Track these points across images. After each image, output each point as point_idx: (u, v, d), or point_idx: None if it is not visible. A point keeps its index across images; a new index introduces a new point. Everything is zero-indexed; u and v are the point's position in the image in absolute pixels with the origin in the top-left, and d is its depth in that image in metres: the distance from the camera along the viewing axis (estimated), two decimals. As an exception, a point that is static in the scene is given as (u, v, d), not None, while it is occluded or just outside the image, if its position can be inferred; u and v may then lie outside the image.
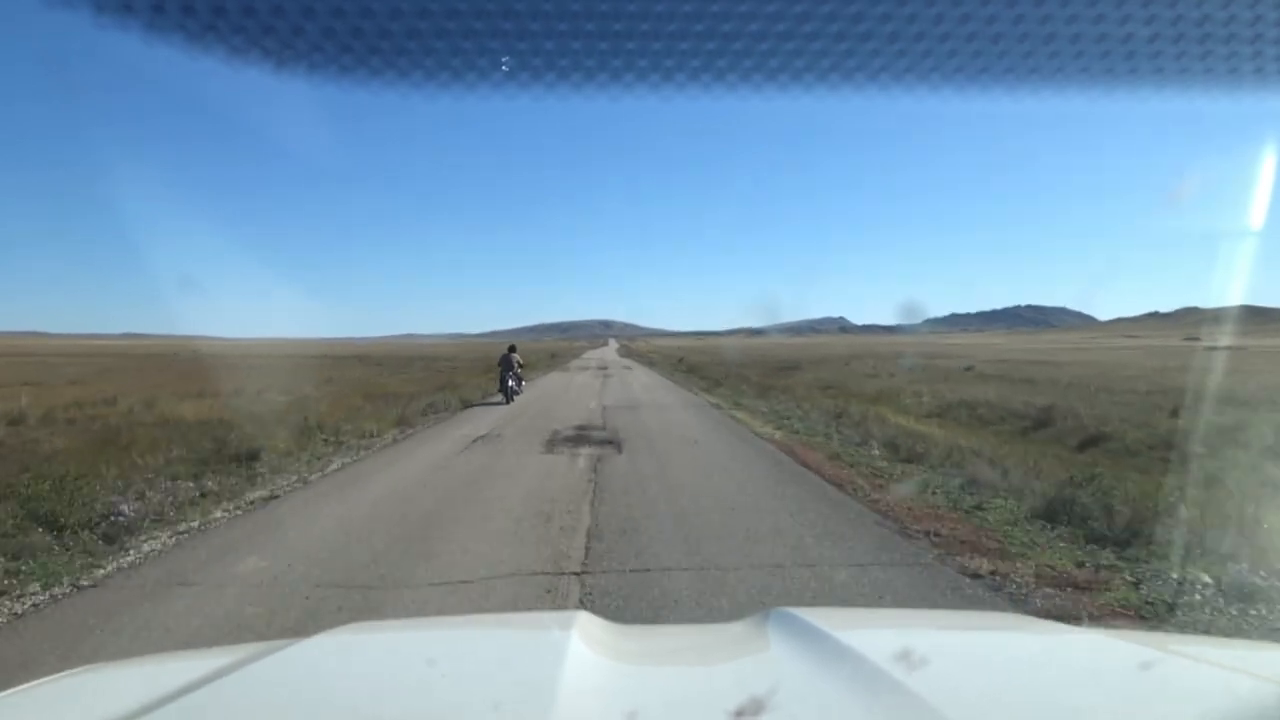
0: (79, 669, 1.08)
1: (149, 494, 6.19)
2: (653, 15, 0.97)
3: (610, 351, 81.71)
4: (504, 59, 1.01)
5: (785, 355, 54.81)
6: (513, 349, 16.51)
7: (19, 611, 3.96)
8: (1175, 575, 4.10)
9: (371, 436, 10.56)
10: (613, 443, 9.78)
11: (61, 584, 4.32)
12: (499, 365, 15.92)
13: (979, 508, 6.01)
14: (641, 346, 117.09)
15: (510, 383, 15.53)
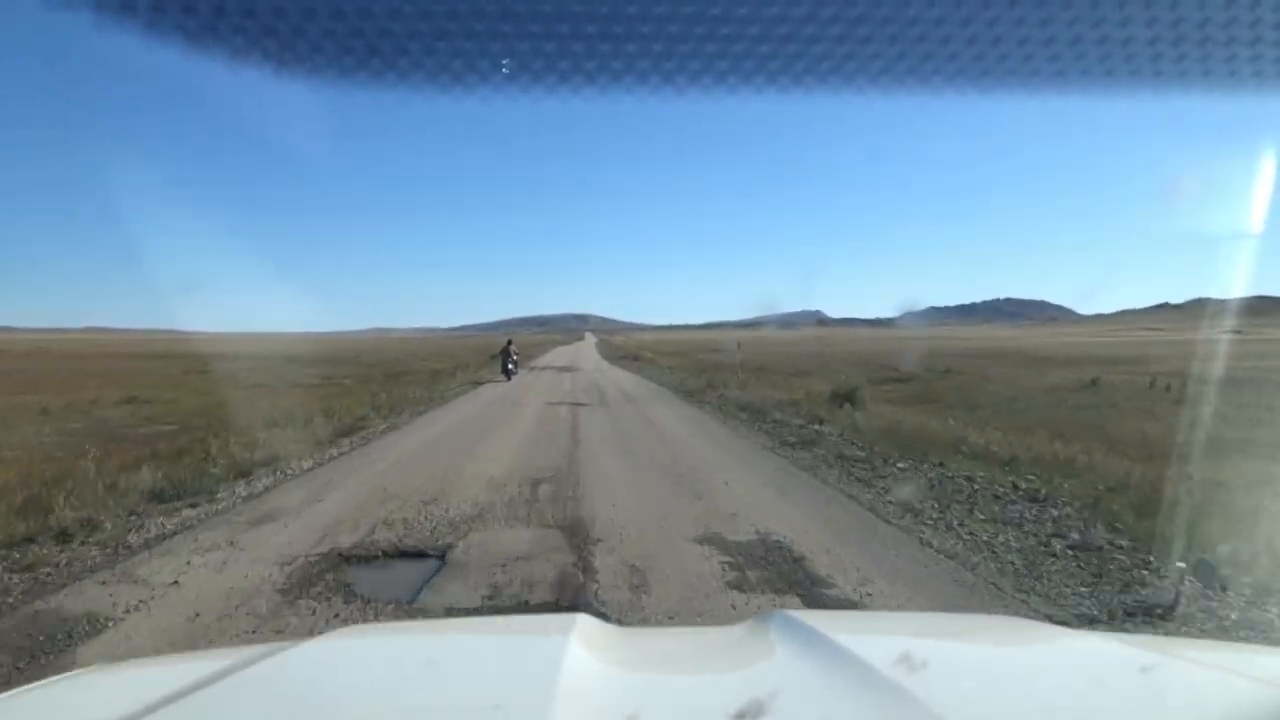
0: (79, 671, 1.08)
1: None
2: (654, 18, 0.97)
3: (588, 351, 49.29)
4: (504, 62, 1.01)
5: (847, 352, 37.19)
6: (510, 342, 21.27)
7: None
8: None
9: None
10: None
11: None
12: (500, 355, 20.82)
13: None
14: (623, 341, 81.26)
15: (509, 365, 20.08)
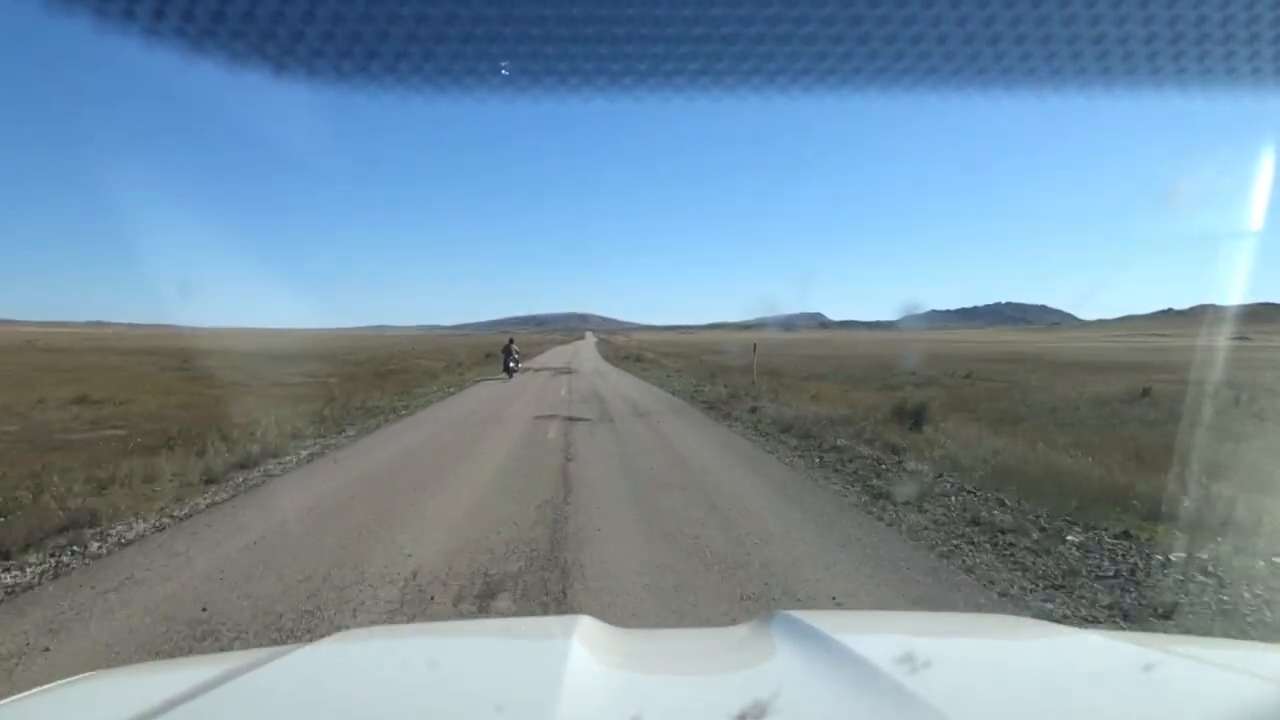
0: (81, 676, 1.08)
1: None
2: (652, 19, 0.97)
3: (588, 351, 48.15)
4: (503, 64, 1.01)
5: (852, 355, 35.59)
6: (512, 341, 22.25)
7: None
8: None
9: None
10: None
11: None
12: (502, 354, 21.76)
13: None
14: (624, 342, 78.85)
15: (511, 364, 21.11)
